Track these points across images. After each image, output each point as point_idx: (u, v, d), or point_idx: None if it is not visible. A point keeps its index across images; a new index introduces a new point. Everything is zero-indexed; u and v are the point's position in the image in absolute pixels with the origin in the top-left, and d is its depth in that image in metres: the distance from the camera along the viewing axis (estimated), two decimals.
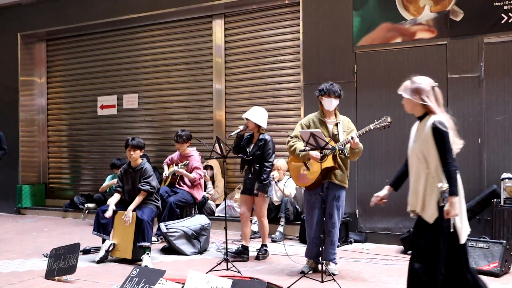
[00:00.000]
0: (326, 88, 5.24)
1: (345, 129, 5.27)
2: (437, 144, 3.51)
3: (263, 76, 8.56)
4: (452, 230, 3.51)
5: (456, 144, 3.60)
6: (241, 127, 5.90)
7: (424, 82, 3.64)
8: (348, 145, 5.13)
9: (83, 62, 10.45)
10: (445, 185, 3.49)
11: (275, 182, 7.45)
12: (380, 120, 5.01)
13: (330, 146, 5.04)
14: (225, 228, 5.57)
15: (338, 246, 6.59)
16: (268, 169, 5.80)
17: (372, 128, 5.04)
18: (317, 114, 5.36)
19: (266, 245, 6.21)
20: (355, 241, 7.05)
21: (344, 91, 7.13)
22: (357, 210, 7.18)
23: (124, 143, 6.35)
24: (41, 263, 6.01)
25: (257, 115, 5.91)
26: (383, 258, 6.10)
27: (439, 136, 3.51)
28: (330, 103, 5.23)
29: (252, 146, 5.90)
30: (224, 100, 8.84)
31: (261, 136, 5.89)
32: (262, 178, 5.79)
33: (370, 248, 6.74)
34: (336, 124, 5.26)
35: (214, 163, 8.58)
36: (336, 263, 5.38)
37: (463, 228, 3.56)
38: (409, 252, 6.19)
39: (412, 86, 3.67)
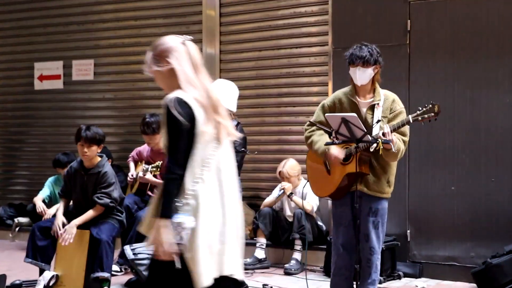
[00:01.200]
0: (350, 53, 5.21)
1: (386, 113, 5.18)
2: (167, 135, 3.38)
3: (274, 36, 8.55)
4: (179, 266, 3.33)
5: (219, 135, 3.45)
6: None
7: (170, 40, 3.56)
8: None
9: (13, 12, 10.45)
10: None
11: (288, 195, 7.47)
12: (424, 109, 4.96)
13: (370, 138, 4.98)
14: None
15: (380, 282, 6.62)
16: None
17: (411, 121, 4.99)
18: (347, 91, 5.32)
19: None
20: (405, 275, 7.07)
21: (393, 59, 7.20)
22: (408, 231, 7.20)
23: (74, 132, 6.35)
24: None
25: (225, 94, 5.86)
26: None
27: (168, 123, 3.37)
28: (356, 75, 5.18)
29: None
30: (219, 70, 8.84)
31: None
32: None
33: (428, 286, 6.76)
34: (372, 107, 5.20)
35: None
36: None
37: (201, 266, 3.33)
38: None
39: (154, 52, 3.57)
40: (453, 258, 6.99)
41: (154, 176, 7.33)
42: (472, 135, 6.95)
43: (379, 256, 5.28)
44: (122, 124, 9.69)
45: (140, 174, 7.41)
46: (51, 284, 6.09)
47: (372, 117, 5.15)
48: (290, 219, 7.58)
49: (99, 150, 6.32)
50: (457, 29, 7.04)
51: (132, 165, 7.77)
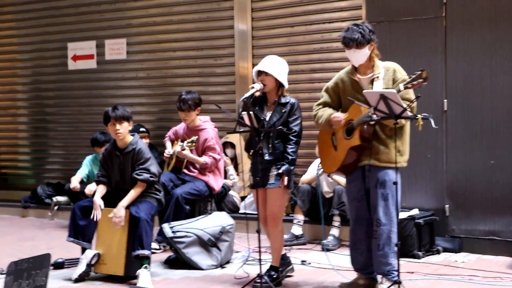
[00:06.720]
0: (343, 36, 5.37)
1: (388, 84, 5.29)
2: None
3: (307, 12, 8.52)
4: None
5: None
6: (257, 86, 5.77)
7: None
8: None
9: None
10: None
11: (328, 175, 7.43)
12: (412, 77, 5.07)
13: (409, 114, 5.07)
14: (258, 232, 5.62)
15: (419, 257, 6.71)
16: (295, 145, 5.76)
17: (401, 89, 5.10)
18: (348, 70, 5.51)
19: (277, 269, 5.97)
20: (445, 249, 7.06)
21: (428, 32, 7.12)
22: (446, 206, 7.15)
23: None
24: None
25: (279, 69, 5.81)
26: (487, 276, 6.07)
27: None
28: (351, 57, 5.37)
29: (269, 114, 5.83)
30: (251, 46, 8.84)
31: (284, 100, 5.82)
32: (288, 153, 5.72)
33: (468, 260, 6.74)
34: (372, 80, 5.33)
35: (236, 139, 8.59)
36: (399, 282, 5.22)
37: None
38: None
39: None
40: (493, 233, 6.93)
41: (190, 151, 7.40)
42: (511, 107, 6.87)
43: (392, 228, 5.32)
44: (155, 103, 9.75)
45: (178, 149, 7.43)
46: (93, 262, 6.18)
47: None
48: (328, 196, 7.58)
49: (130, 127, 6.36)
50: (495, 1, 6.91)
51: (168, 144, 7.79)
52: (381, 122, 5.20)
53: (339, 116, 5.40)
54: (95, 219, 6.19)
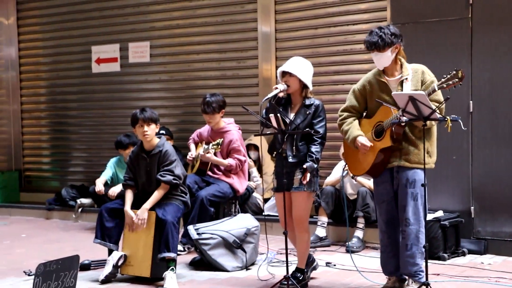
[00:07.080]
0: (364, 40, 5.38)
1: (417, 85, 5.29)
2: None
3: (330, 14, 8.50)
4: None
5: None
6: (281, 87, 5.73)
7: None
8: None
9: None
10: None
11: (352, 177, 7.39)
12: (448, 76, 5.05)
13: (438, 116, 5.06)
14: (285, 234, 5.63)
15: (444, 259, 6.66)
16: (320, 146, 5.70)
17: (436, 89, 5.10)
18: (375, 72, 5.48)
19: (303, 270, 5.95)
20: (470, 251, 7.03)
21: (454, 33, 7.09)
22: (472, 207, 7.11)
23: (130, 115, 6.41)
24: (23, 284, 6.15)
25: (303, 70, 5.77)
26: None
27: None
28: (374, 60, 5.37)
29: (292, 116, 5.79)
30: (274, 49, 8.83)
31: (308, 101, 5.78)
32: (312, 152, 5.66)
33: (494, 262, 6.69)
34: (401, 82, 5.32)
35: (258, 141, 8.59)
36: (427, 283, 5.18)
37: None
38: None
39: None
40: None
41: (215, 154, 7.41)
42: None
43: (420, 229, 5.31)
44: (178, 105, 9.76)
45: (201, 152, 7.45)
46: (119, 264, 6.20)
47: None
48: (352, 197, 7.55)
49: (157, 130, 6.39)
50: None
51: (192, 146, 7.80)
52: (411, 123, 5.18)
53: (367, 145, 5.32)
54: (129, 229, 6.21)
